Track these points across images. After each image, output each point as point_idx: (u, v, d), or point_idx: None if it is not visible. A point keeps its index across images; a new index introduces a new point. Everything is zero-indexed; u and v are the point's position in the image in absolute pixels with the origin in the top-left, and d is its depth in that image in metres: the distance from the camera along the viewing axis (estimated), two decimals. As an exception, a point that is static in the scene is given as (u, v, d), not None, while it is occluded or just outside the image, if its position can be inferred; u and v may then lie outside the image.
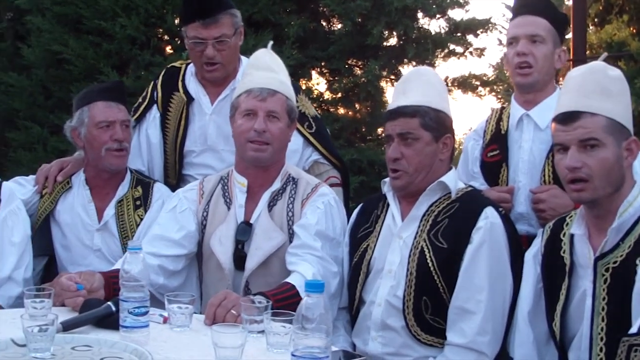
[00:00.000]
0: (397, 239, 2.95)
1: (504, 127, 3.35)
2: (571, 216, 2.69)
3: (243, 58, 3.79)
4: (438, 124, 2.91)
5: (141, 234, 3.40)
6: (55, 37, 6.75)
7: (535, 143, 3.25)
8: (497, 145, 3.35)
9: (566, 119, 2.52)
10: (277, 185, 3.17)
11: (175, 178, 3.82)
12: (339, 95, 7.67)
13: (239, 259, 3.07)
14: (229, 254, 3.08)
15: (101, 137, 3.46)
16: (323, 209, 3.09)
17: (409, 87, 2.97)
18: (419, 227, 2.90)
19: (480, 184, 3.34)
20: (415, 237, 2.89)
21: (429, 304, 2.81)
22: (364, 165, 7.04)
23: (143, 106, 3.83)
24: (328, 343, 1.87)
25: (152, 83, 3.92)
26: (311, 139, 3.71)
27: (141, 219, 3.50)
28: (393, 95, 3.07)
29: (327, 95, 7.72)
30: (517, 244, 2.91)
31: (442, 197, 2.92)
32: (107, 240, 3.53)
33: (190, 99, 3.74)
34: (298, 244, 3.02)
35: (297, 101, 3.36)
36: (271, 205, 3.15)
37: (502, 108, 3.45)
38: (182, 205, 3.23)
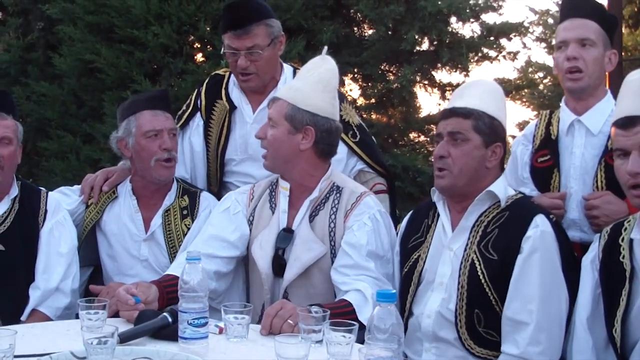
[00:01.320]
0: (448, 251, 2.93)
1: (554, 132, 3.31)
2: (629, 221, 2.66)
3: (286, 66, 3.81)
4: (491, 130, 2.89)
5: (188, 243, 3.40)
6: (87, 46, 6.82)
7: (587, 149, 3.22)
8: (547, 150, 3.31)
9: (627, 123, 2.51)
10: (315, 193, 3.15)
11: (216, 186, 3.83)
12: (373, 100, 7.69)
13: (279, 266, 3.08)
14: (268, 259, 3.09)
15: (150, 147, 3.46)
16: (371, 226, 3.06)
17: (467, 92, 2.98)
18: (469, 238, 2.88)
19: (530, 189, 3.31)
20: (465, 249, 2.87)
21: (481, 316, 2.79)
22: (398, 171, 7.03)
23: (187, 114, 3.84)
24: (399, 352, 1.86)
25: (196, 90, 3.93)
26: (355, 147, 3.70)
27: (188, 229, 3.51)
28: (451, 98, 3.08)
29: (361, 101, 7.73)
30: (570, 252, 2.89)
31: (491, 206, 2.90)
32: (154, 251, 3.54)
33: (232, 107, 3.75)
34: (350, 264, 2.99)
35: (340, 109, 3.35)
36: (313, 215, 3.14)
37: (552, 112, 3.42)
38: (235, 207, 3.25)
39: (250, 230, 3.20)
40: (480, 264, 2.80)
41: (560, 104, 3.38)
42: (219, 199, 3.62)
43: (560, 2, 3.41)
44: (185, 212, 3.56)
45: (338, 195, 3.15)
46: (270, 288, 3.08)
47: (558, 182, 3.25)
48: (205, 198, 3.63)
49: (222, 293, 3.16)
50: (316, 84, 3.14)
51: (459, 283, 2.83)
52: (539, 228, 2.77)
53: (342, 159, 3.63)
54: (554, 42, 3.35)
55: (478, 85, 3.03)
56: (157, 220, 3.55)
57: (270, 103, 3.16)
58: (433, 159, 2.99)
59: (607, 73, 3.38)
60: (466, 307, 2.80)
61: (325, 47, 3.37)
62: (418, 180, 7.12)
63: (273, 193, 3.25)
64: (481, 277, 2.78)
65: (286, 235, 3.11)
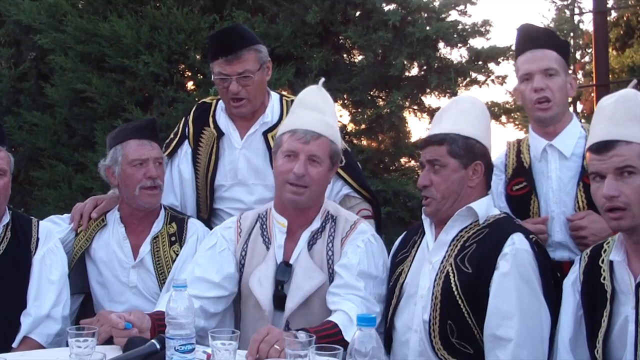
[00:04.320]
0: (428, 264, 3.00)
1: (527, 160, 3.39)
2: (608, 242, 2.71)
3: (272, 93, 3.87)
4: (466, 150, 2.96)
5: (177, 269, 3.48)
6: (78, 76, 6.83)
7: (562, 172, 3.30)
8: (522, 178, 3.38)
9: (601, 148, 2.55)
10: (316, 224, 3.19)
11: (206, 212, 3.86)
12: (363, 126, 7.70)
13: (279, 299, 3.09)
14: (269, 294, 3.10)
15: (135, 176, 3.50)
16: (364, 247, 3.11)
17: (445, 115, 3.05)
18: (447, 251, 2.95)
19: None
20: (442, 262, 2.94)
21: (454, 327, 2.84)
22: (389, 196, 7.03)
23: (175, 142, 3.89)
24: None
25: (183, 119, 3.99)
26: (341, 172, 3.71)
27: (177, 255, 3.54)
28: (431, 124, 3.15)
29: (351, 127, 7.74)
30: (552, 272, 2.92)
31: (472, 223, 2.98)
32: (144, 277, 3.57)
33: (220, 133, 3.80)
34: (340, 284, 3.04)
35: None
36: (311, 244, 3.17)
37: (519, 141, 3.50)
38: (221, 244, 3.26)
39: (242, 266, 3.22)
40: (454, 276, 2.87)
41: (529, 132, 3.44)
42: (208, 225, 3.74)
43: (516, 36, 3.45)
44: (173, 238, 3.59)
45: (333, 223, 3.20)
46: (272, 321, 3.08)
47: (537, 207, 3.32)
48: (193, 224, 3.66)
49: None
50: (333, 117, 3.24)
51: (434, 294, 2.89)
52: (515, 245, 2.82)
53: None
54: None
55: (453, 106, 3.09)
56: (145, 247, 3.59)
57: (307, 139, 3.08)
58: (418, 187, 3.07)
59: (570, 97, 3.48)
60: (439, 318, 2.87)
61: (322, 79, 3.44)
62: (409, 205, 7.12)
63: (265, 227, 3.26)
64: (454, 288, 2.85)
65: (285, 268, 3.14)
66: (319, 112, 3.17)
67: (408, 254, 3.12)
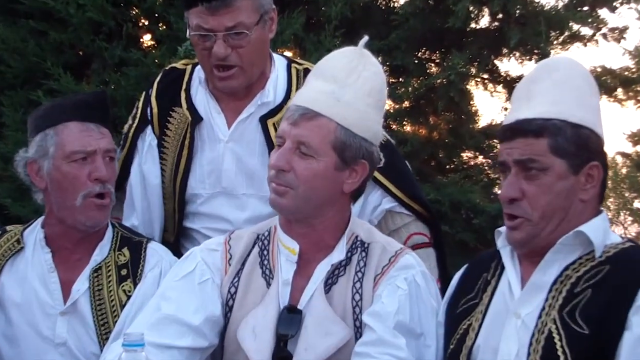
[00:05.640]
0: (514, 318, 2.94)
1: None
2: None
3: (277, 58, 3.88)
4: (578, 146, 2.90)
5: (128, 318, 3.36)
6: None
7: None
8: None
9: None
10: (338, 255, 3.20)
11: (173, 233, 3.90)
12: (405, 104, 7.76)
13: None
14: (267, 353, 3.09)
15: (76, 176, 3.50)
16: (406, 290, 3.11)
17: (535, 89, 2.99)
18: (546, 300, 2.90)
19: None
20: (540, 316, 2.89)
21: None
22: (444, 209, 7.08)
23: (134, 128, 3.93)
24: None
25: (144, 94, 3.99)
26: (380, 177, 3.71)
27: (128, 297, 3.51)
28: (512, 101, 3.11)
29: (388, 104, 7.62)
30: None
31: (583, 256, 2.92)
32: (77, 330, 3.53)
33: (197, 118, 3.82)
34: (370, 340, 3.03)
35: None
36: (329, 284, 3.19)
37: None
38: (203, 272, 3.26)
39: (230, 308, 3.23)
40: (561, 339, 2.82)
41: None
42: (176, 253, 3.72)
43: None
44: (124, 271, 3.59)
45: (364, 254, 3.21)
46: None
47: None
48: (155, 251, 3.66)
49: None
50: (367, 96, 3.20)
51: None
52: None
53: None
54: None
55: (546, 75, 3.03)
56: (81, 285, 3.56)
57: (295, 118, 3.12)
58: (501, 201, 3.01)
59: None
60: None
61: (366, 38, 3.34)
62: (474, 223, 7.18)
63: (266, 252, 3.28)
64: (562, 357, 2.80)
65: (292, 316, 3.15)
66: (334, 82, 3.16)
67: (477, 302, 3.09)
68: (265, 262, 3.26)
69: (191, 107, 3.82)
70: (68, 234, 3.60)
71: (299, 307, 3.16)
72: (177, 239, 3.89)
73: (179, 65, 4.01)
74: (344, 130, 3.12)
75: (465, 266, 3.30)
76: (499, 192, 3.06)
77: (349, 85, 3.17)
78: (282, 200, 3.13)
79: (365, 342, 3.04)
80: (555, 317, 2.85)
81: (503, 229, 3.04)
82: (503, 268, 3.06)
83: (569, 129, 2.89)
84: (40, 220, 3.70)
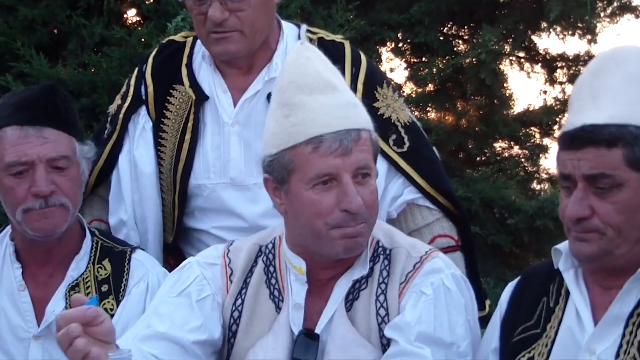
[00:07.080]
0: (588, 355, 2.81)
1: None
2: None
3: (286, 25, 3.78)
4: None
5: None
6: None
7: None
8: None
9: None
10: (361, 269, 3.08)
11: (172, 233, 3.82)
12: (430, 88, 7.74)
13: None
14: None
15: (15, 191, 3.41)
16: (432, 295, 3.01)
17: (600, 86, 2.79)
18: (624, 336, 2.78)
19: None
20: (618, 354, 2.75)
21: None
22: (475, 208, 7.04)
23: (125, 109, 3.83)
24: None
25: (135, 72, 3.91)
26: (401, 162, 3.67)
27: (111, 316, 3.40)
28: (572, 99, 2.91)
29: (409, 88, 7.83)
30: None
31: None
32: (53, 355, 3.42)
33: (202, 96, 3.71)
34: (393, 353, 2.96)
35: (376, 99, 3.49)
36: (350, 300, 3.08)
37: None
38: (203, 289, 3.14)
39: (234, 335, 3.15)
40: None
41: None
42: (177, 258, 3.77)
43: None
44: (105, 288, 3.51)
45: (387, 263, 3.11)
46: None
47: None
48: (140, 263, 3.57)
49: None
50: (349, 89, 3.20)
51: None
52: None
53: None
54: None
55: (615, 67, 2.81)
56: (56, 305, 3.49)
57: (347, 146, 2.93)
58: (563, 219, 2.84)
59: None
60: None
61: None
62: (509, 224, 7.04)
63: (272, 269, 3.17)
64: None
65: (309, 343, 3.06)
66: (334, 90, 3.02)
67: (539, 332, 2.96)
68: (273, 281, 3.17)
69: (195, 85, 3.74)
70: (34, 245, 3.54)
71: (316, 331, 3.07)
72: (175, 240, 3.83)
73: (177, 37, 3.94)
74: (373, 135, 3.06)
75: (517, 280, 3.18)
76: (561, 208, 2.85)
77: (341, 84, 3.11)
78: (361, 247, 3.03)
79: (388, 355, 2.98)
80: (636, 356, 2.73)
81: (563, 247, 2.91)
82: (567, 294, 2.96)
83: None
84: (8, 230, 3.66)
